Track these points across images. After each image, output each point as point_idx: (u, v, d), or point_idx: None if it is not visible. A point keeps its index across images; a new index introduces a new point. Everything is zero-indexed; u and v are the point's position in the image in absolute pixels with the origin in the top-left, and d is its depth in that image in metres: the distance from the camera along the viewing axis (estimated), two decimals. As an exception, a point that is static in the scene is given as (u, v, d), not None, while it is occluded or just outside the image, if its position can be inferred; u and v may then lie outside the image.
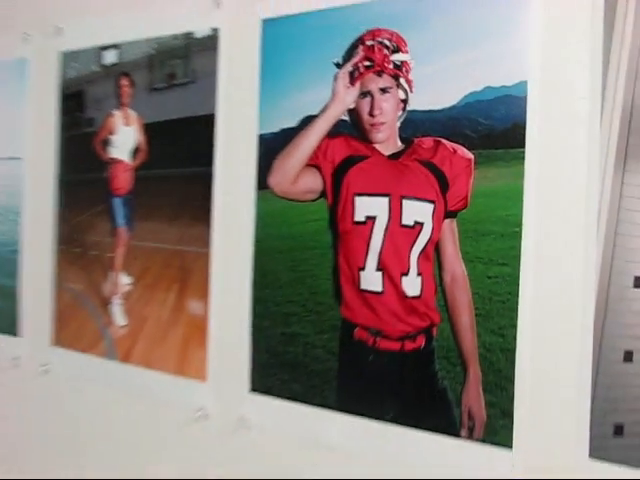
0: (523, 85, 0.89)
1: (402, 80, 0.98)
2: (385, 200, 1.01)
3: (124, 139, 1.31)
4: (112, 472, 1.34)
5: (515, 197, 0.89)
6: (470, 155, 0.94)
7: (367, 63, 1.01)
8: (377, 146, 1.02)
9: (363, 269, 1.03)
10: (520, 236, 0.90)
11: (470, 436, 0.92)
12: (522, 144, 0.89)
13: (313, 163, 1.06)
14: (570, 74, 0.85)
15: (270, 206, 1.13)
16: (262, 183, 1.14)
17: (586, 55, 0.84)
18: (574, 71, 0.85)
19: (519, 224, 0.89)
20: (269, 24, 1.12)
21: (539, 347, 0.89)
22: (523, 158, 0.89)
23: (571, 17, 0.85)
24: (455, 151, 0.96)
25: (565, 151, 0.86)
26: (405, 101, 0.99)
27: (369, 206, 1.02)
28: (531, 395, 0.89)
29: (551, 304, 0.87)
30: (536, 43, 0.89)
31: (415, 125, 1.01)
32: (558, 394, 0.86)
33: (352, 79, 1.02)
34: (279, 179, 1.08)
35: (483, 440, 0.92)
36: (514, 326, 0.89)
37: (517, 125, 0.90)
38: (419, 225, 0.99)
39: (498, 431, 0.90)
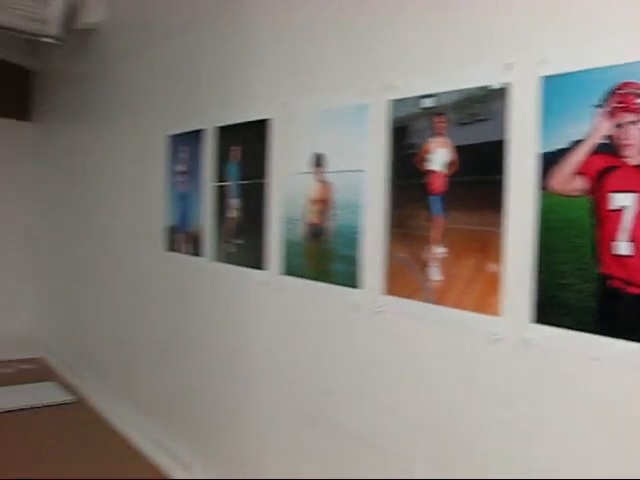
0: None
1: (646, 116, 1.21)
2: (633, 195, 1.22)
3: (438, 157, 1.61)
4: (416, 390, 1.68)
5: None
6: (700, 163, 1.15)
7: (619, 105, 1.26)
8: (626, 160, 1.23)
9: (616, 240, 1.26)
10: None
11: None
12: None
13: (581, 171, 1.33)
14: None
15: (549, 200, 1.37)
16: (543, 184, 1.40)
17: None
18: None
19: None
20: (547, 79, 1.38)
21: None
22: None
23: None
24: (688, 160, 1.16)
25: None
26: (649, 129, 1.22)
27: (621, 199, 1.24)
28: None
29: None
30: None
31: (656, 145, 1.22)
32: None
33: (609, 115, 1.28)
34: (557, 181, 1.37)
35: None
36: None
37: None
38: (660, 212, 1.20)
39: None
